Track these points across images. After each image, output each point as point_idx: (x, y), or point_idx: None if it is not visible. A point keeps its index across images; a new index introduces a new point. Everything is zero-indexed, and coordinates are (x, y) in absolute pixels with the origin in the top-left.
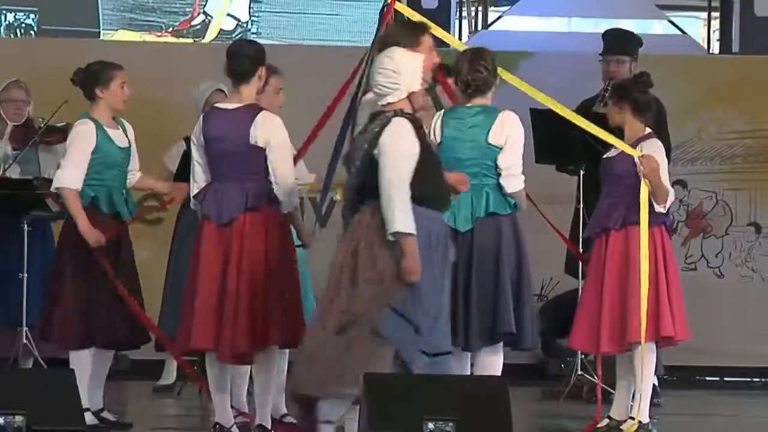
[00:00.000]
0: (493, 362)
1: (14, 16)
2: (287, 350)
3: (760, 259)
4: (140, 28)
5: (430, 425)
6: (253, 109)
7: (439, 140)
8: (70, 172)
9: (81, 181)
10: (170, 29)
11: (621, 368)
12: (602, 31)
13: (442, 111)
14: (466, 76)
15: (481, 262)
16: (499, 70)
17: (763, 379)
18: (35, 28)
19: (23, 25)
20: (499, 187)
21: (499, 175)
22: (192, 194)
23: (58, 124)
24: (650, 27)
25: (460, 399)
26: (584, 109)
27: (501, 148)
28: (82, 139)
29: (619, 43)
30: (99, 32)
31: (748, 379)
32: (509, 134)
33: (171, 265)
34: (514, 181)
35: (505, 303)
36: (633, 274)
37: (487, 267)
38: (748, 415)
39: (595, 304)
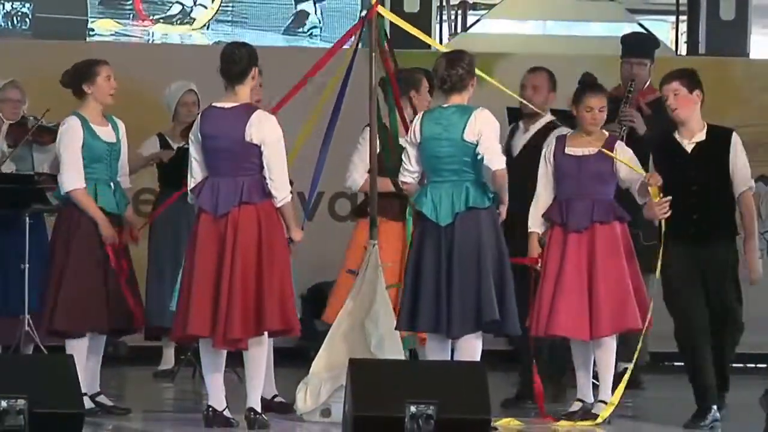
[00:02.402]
0: (473, 348)
1: (11, 6)
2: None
3: None
4: (123, 17)
5: (412, 408)
6: (249, 108)
7: (419, 140)
8: (70, 174)
9: (83, 178)
10: (152, 17)
11: (582, 354)
12: (576, 33)
13: (422, 112)
14: (443, 72)
15: (463, 254)
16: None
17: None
18: (30, 17)
19: (19, 13)
20: (478, 182)
21: (481, 160)
22: (189, 188)
23: (50, 125)
24: (621, 30)
25: (441, 383)
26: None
27: (475, 144)
28: (70, 137)
29: (640, 46)
30: (87, 20)
31: None
32: (482, 129)
33: (151, 257)
34: (496, 159)
35: (488, 292)
36: (604, 268)
37: (468, 259)
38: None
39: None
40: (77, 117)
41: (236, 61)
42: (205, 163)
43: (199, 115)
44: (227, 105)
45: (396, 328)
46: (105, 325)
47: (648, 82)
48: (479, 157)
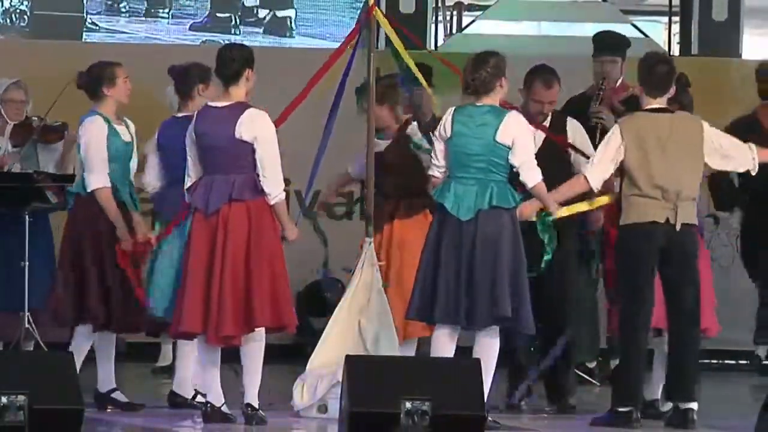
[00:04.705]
0: (491, 344)
1: (10, 3)
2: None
3: (718, 249)
4: (118, 14)
5: (408, 404)
6: (241, 107)
7: (449, 135)
8: (98, 174)
9: (108, 178)
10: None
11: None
12: (570, 34)
13: (453, 108)
14: (467, 76)
15: (484, 250)
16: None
17: (719, 361)
18: (28, 14)
19: (18, 11)
20: (503, 183)
21: (517, 173)
22: (185, 187)
23: (55, 123)
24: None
25: (436, 380)
26: (577, 108)
27: (508, 147)
28: (95, 136)
29: (611, 44)
30: (84, 18)
31: (707, 361)
32: (516, 133)
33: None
34: (532, 175)
35: (503, 289)
36: None
37: (488, 255)
38: (707, 394)
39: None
40: (98, 115)
41: (228, 63)
42: (200, 162)
43: (195, 115)
44: (220, 104)
45: (407, 317)
46: (103, 321)
47: (620, 80)
48: (515, 169)
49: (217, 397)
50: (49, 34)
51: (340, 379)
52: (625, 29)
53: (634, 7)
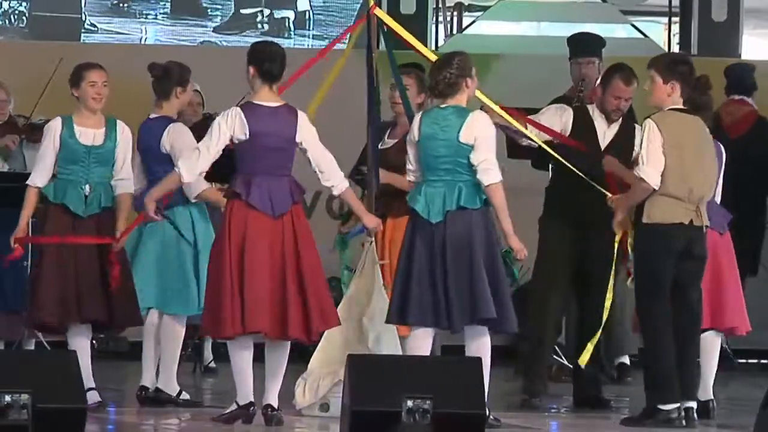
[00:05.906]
0: (482, 343)
1: (9, 4)
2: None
3: None
4: (119, 15)
5: (409, 403)
6: (291, 109)
7: (417, 138)
8: (36, 171)
9: (47, 178)
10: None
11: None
12: (569, 34)
13: (421, 112)
14: (432, 78)
15: (455, 252)
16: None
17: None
18: (27, 15)
19: (16, 12)
20: (472, 183)
21: (475, 171)
22: (202, 171)
23: (40, 122)
24: (614, 31)
25: (437, 378)
26: None
27: (471, 147)
28: (46, 136)
29: (587, 45)
30: (82, 19)
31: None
32: (478, 133)
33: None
34: (488, 174)
35: (483, 289)
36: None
37: (461, 256)
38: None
39: None
40: (60, 118)
41: (280, 61)
42: (246, 161)
43: (242, 112)
44: (272, 104)
45: (386, 321)
46: (77, 318)
47: (598, 80)
48: (473, 168)
49: (248, 397)
50: (47, 35)
51: (342, 378)
52: (625, 29)
53: (634, 8)
